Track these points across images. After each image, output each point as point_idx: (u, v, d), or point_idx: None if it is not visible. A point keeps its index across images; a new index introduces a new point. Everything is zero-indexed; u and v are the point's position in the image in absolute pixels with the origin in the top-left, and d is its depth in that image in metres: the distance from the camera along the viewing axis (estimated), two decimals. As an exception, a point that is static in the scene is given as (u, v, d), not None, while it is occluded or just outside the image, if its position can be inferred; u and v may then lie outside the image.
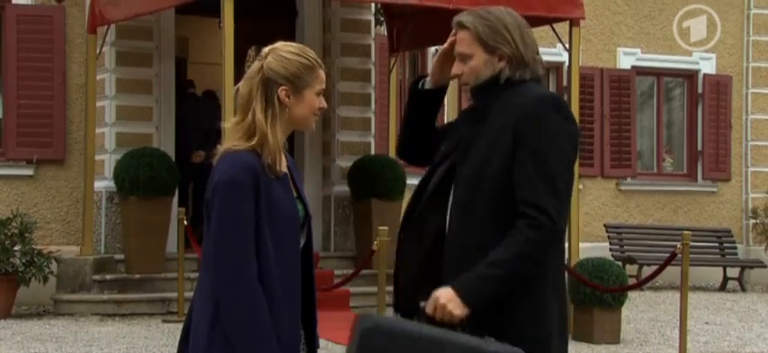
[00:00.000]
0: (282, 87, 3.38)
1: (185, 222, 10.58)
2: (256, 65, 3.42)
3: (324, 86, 3.47)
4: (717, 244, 16.12)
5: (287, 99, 3.39)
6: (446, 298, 3.26)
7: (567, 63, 13.45)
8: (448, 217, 3.43)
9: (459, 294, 3.26)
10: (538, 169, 3.29)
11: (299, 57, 3.41)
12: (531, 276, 3.31)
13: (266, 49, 3.44)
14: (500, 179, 3.33)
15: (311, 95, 3.42)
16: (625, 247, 15.51)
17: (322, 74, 3.46)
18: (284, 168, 3.43)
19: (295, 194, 3.46)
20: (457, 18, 3.49)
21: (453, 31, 3.53)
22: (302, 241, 3.47)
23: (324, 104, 3.47)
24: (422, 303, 3.32)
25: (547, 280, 3.38)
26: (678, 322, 9.10)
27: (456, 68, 3.52)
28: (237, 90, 3.45)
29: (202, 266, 3.41)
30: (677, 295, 9.82)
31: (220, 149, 3.40)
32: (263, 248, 3.30)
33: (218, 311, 3.29)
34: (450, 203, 3.43)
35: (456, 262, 3.36)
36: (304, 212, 3.47)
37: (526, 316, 3.33)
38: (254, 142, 3.34)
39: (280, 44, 3.47)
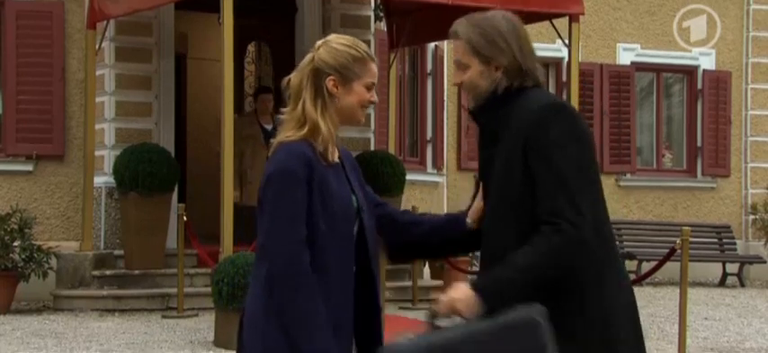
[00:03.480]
0: (331, 77, 3.42)
1: (185, 219, 10.57)
2: (308, 56, 3.48)
3: (375, 80, 3.49)
4: (716, 240, 16.13)
5: (335, 89, 3.43)
6: (462, 299, 3.22)
7: (566, 59, 13.45)
8: (484, 235, 3.43)
9: (480, 296, 3.21)
10: (549, 179, 3.22)
11: (350, 48, 3.45)
12: (552, 280, 3.25)
13: (319, 42, 3.50)
14: (519, 196, 3.28)
15: (360, 87, 3.45)
16: (624, 243, 15.52)
17: (373, 67, 3.48)
18: (337, 158, 3.47)
19: (348, 186, 3.49)
20: (453, 27, 3.42)
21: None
22: (355, 233, 3.48)
23: (374, 98, 3.50)
24: (430, 309, 3.29)
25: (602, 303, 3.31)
26: (677, 318, 9.10)
27: (456, 78, 3.45)
28: (288, 81, 3.49)
29: (257, 256, 3.44)
30: (676, 291, 9.81)
31: (275, 141, 3.45)
32: (317, 236, 3.32)
33: (272, 299, 3.32)
34: (485, 222, 3.41)
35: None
36: (357, 203, 3.49)
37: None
38: (305, 131, 3.39)
39: (332, 36, 3.52)
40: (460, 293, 3.23)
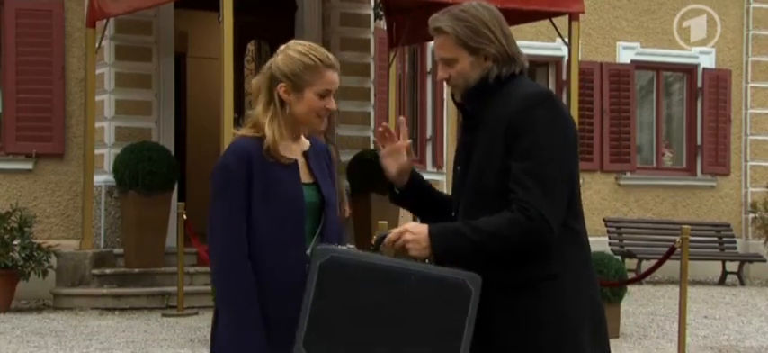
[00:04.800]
0: (282, 85, 3.46)
1: (185, 217, 10.57)
2: (270, 61, 3.52)
3: (331, 88, 3.47)
4: (716, 238, 16.13)
5: (287, 96, 3.46)
6: (414, 237, 3.23)
7: (566, 57, 13.44)
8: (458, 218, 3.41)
9: (432, 240, 3.22)
10: (529, 171, 3.20)
11: (303, 56, 3.45)
12: (501, 255, 3.25)
13: (281, 47, 3.53)
14: (496, 184, 3.27)
15: (311, 94, 3.45)
16: (624, 241, 15.52)
17: (330, 75, 3.47)
18: (295, 156, 3.49)
19: (310, 181, 3.51)
20: (433, 22, 3.40)
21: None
22: (319, 227, 3.50)
23: (331, 106, 3.49)
24: (381, 233, 3.31)
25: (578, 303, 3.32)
26: (677, 316, 9.10)
27: (442, 73, 3.42)
28: (252, 85, 3.58)
29: None
30: (676, 289, 9.82)
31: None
32: (255, 229, 3.39)
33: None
34: (460, 209, 3.41)
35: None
36: (319, 199, 3.51)
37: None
38: (259, 132, 3.46)
39: (292, 42, 3.54)
40: (415, 230, 3.25)
